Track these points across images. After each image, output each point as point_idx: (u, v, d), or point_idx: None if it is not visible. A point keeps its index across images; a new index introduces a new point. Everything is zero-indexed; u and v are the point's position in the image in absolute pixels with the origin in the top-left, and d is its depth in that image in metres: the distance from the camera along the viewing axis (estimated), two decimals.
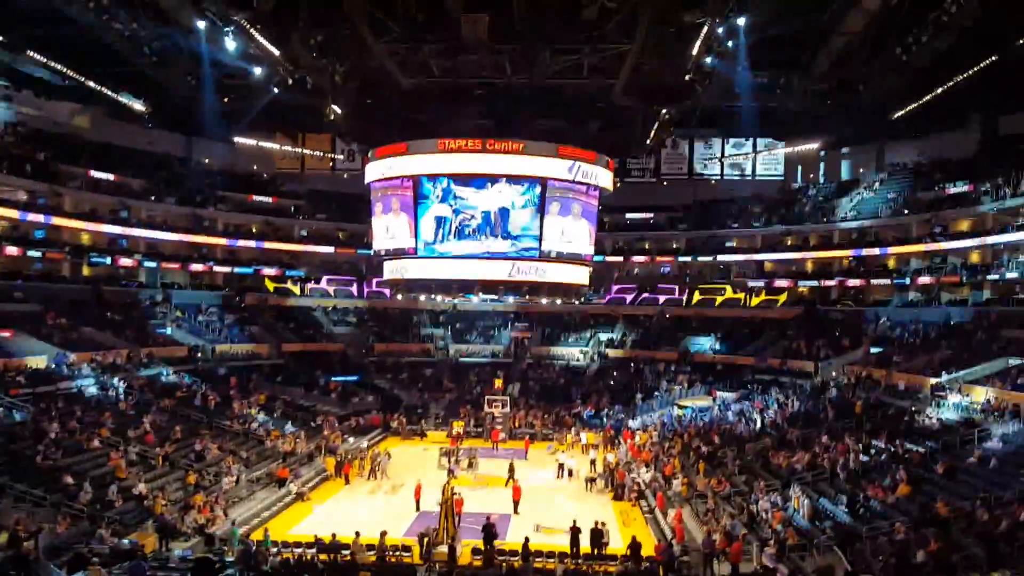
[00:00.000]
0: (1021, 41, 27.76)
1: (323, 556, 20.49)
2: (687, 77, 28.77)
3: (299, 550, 21.19)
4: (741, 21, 24.64)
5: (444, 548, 21.23)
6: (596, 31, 29.57)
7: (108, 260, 45.03)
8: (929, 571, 16.32)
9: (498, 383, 45.37)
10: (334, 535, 21.03)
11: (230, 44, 26.14)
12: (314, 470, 31.97)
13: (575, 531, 21.95)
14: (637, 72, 31.22)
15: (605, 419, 41.59)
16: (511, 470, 30.33)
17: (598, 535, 21.88)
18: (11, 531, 17.87)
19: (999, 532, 17.78)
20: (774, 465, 28.00)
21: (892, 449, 25.76)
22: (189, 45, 28.85)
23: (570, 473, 32.23)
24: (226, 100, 34.56)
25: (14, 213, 39.25)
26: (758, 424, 33.71)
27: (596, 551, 21.53)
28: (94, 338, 37.68)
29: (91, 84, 35.68)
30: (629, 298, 54.86)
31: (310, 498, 28.63)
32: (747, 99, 33.03)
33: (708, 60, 27.24)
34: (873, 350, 39.72)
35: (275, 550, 20.81)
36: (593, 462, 32.63)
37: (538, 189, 35.09)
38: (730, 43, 26.14)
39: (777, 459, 28.18)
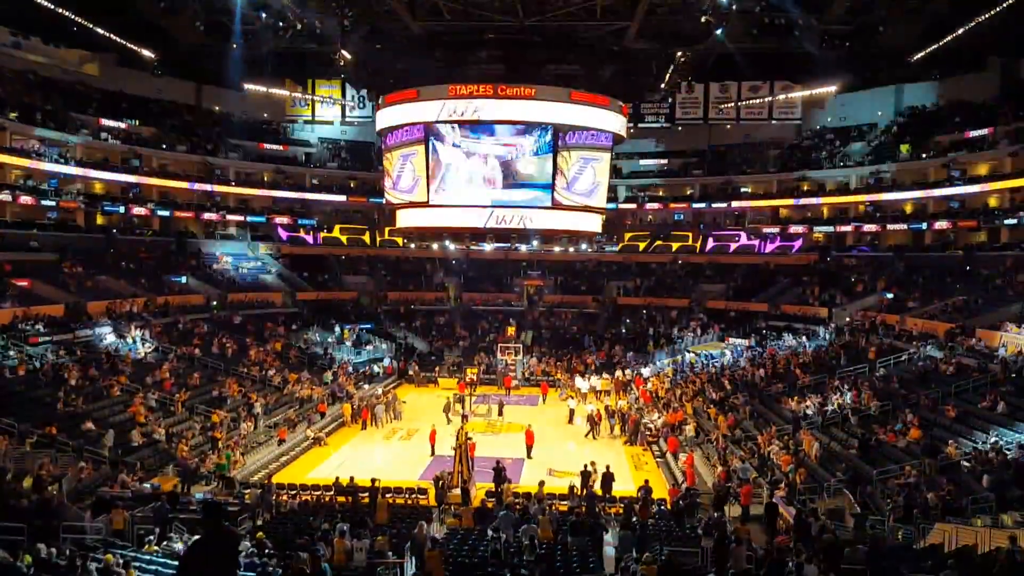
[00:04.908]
0: None
1: (340, 498, 20.93)
2: (703, 19, 28.11)
3: (317, 492, 21.68)
4: None
5: (458, 491, 21.62)
6: None
7: (122, 209, 44.99)
8: (939, 514, 16.51)
9: (510, 331, 45.59)
10: (352, 478, 21.45)
11: None
12: (330, 415, 32.47)
13: (586, 474, 22.26)
14: (651, 14, 30.55)
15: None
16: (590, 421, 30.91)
17: (609, 478, 22.19)
18: (35, 475, 18.26)
19: (1008, 476, 17.93)
20: (786, 410, 28.17)
21: (904, 393, 25.87)
22: None
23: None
24: (235, 47, 34.16)
25: (26, 162, 39.18)
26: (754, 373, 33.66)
27: (607, 494, 21.87)
28: (110, 287, 37.98)
29: (100, 31, 35.31)
30: (642, 246, 54.58)
31: (327, 443, 29.11)
32: (763, 42, 32.37)
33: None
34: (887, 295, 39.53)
35: (293, 492, 21.28)
36: (607, 407, 32.89)
37: (550, 135, 34.66)
38: None
39: (789, 404, 28.35)
